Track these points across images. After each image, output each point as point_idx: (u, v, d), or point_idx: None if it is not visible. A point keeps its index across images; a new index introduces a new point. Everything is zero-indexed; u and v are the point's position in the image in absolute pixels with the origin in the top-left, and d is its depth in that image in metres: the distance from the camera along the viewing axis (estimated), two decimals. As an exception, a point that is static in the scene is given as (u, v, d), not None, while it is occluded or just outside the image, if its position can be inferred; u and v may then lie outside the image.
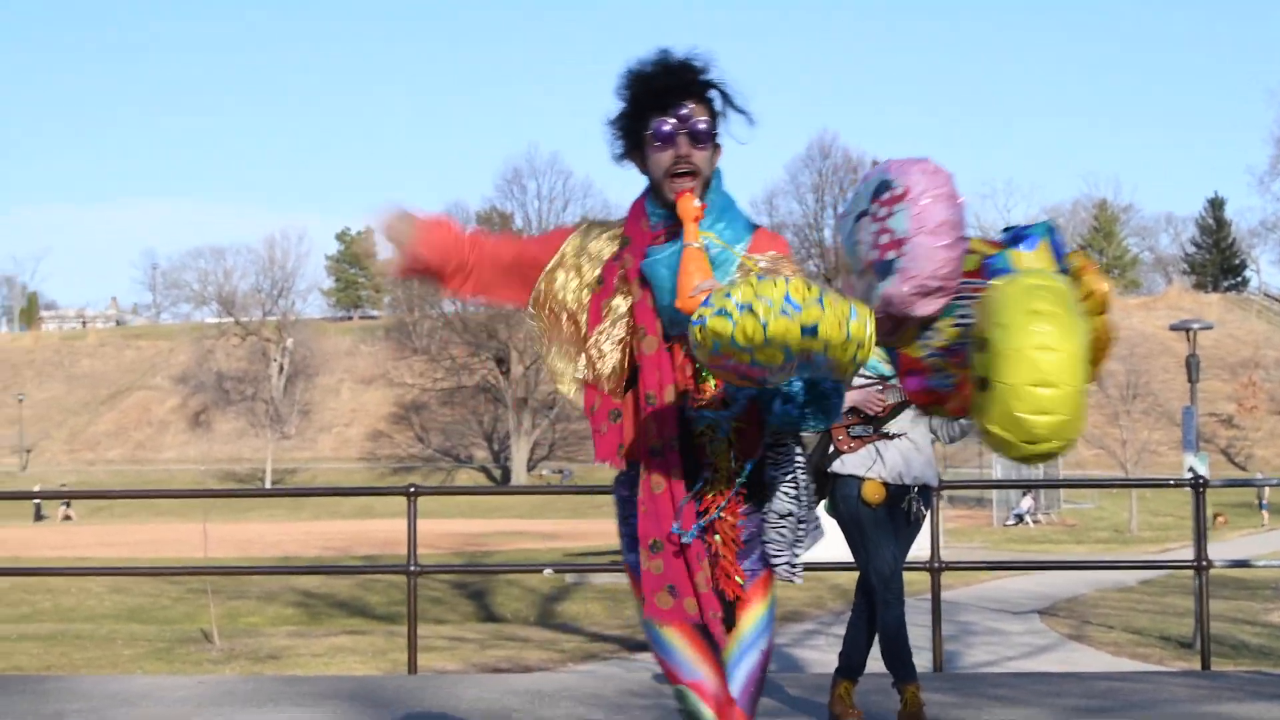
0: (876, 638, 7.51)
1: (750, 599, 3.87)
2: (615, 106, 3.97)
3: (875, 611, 7.44)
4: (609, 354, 3.92)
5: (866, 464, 7.38)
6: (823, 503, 7.65)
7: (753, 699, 3.86)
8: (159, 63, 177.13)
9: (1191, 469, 21.92)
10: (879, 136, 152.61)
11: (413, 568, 10.17)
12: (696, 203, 3.78)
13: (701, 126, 3.86)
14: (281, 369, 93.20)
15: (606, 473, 4.11)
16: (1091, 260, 3.91)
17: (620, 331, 3.92)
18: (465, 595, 25.76)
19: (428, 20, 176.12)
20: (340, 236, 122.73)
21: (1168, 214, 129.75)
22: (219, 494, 40.03)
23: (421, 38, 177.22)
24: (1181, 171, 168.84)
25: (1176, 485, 11.55)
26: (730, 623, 3.87)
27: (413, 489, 10.26)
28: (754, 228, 3.97)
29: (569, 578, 26.95)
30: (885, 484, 7.35)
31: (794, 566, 3.84)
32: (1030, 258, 3.77)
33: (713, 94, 3.90)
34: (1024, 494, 49.50)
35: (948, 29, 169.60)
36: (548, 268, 4.07)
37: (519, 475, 76.45)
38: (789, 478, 3.87)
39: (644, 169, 3.96)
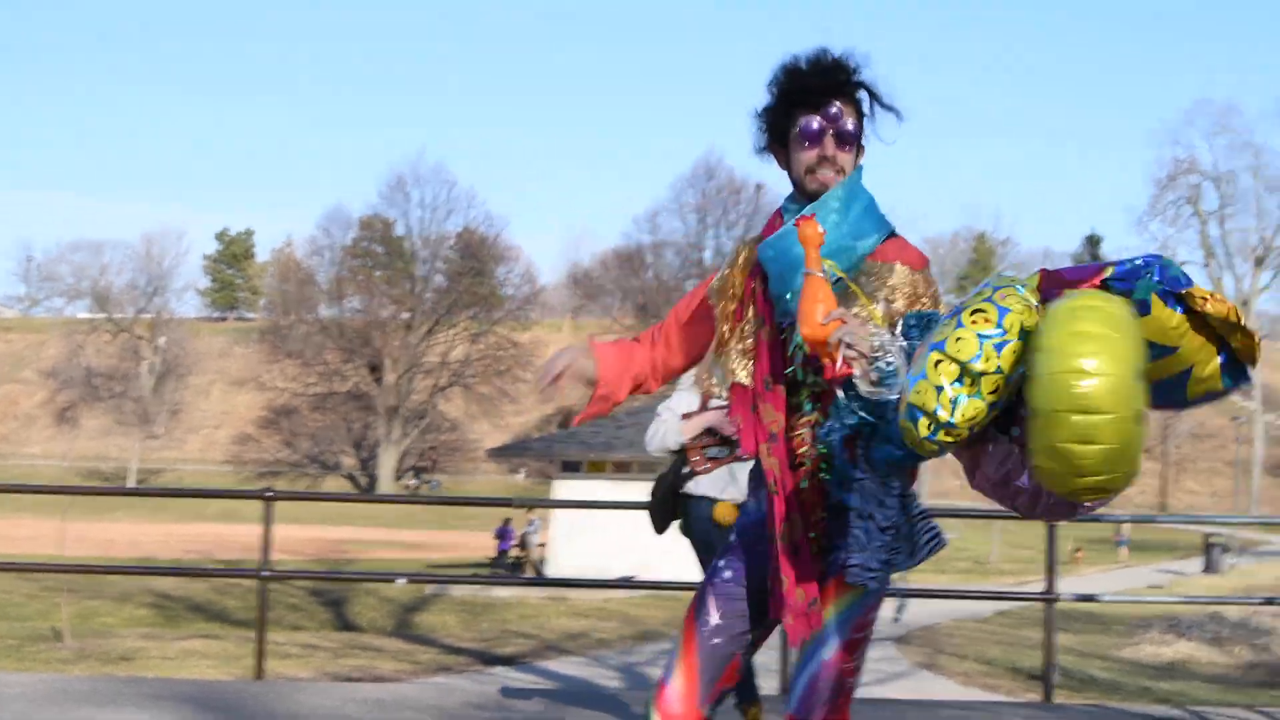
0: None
1: (825, 597, 3.81)
2: (763, 99, 3.97)
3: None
4: (739, 362, 4.00)
5: (720, 486, 7.39)
6: (675, 523, 7.67)
7: (808, 708, 3.80)
8: (42, 53, 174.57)
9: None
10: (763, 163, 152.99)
11: (264, 573, 10.06)
12: (820, 229, 3.65)
13: (849, 127, 3.87)
14: (153, 368, 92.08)
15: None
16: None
17: (750, 335, 3.98)
18: (323, 603, 25.56)
19: (315, 20, 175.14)
20: (220, 236, 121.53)
21: (1045, 249, 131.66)
22: (78, 491, 39.49)
23: (308, 37, 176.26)
24: (1061, 208, 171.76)
25: (1018, 517, 11.66)
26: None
27: (269, 493, 10.14)
28: (889, 234, 3.93)
29: (428, 589, 26.80)
30: (738, 506, 7.37)
31: (870, 570, 3.64)
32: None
33: (862, 95, 3.91)
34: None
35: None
36: (713, 287, 4.16)
37: (385, 484, 75.83)
38: (886, 488, 3.70)
39: (784, 164, 3.97)
